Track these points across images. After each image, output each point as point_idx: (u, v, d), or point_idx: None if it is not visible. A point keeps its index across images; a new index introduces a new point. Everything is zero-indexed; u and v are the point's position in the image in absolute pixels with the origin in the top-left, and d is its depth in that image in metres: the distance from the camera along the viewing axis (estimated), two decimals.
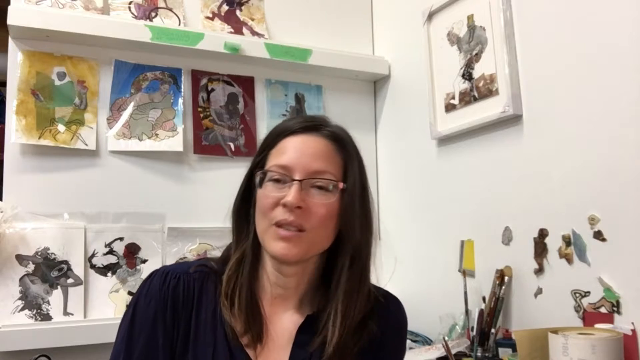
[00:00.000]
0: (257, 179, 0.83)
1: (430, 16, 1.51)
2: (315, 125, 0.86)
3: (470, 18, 1.39)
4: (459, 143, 1.44)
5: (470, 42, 1.39)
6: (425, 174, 1.57)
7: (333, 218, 0.82)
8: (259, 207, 0.83)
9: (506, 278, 1.28)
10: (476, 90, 1.37)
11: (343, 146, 0.85)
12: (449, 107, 1.45)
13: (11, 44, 1.36)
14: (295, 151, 0.82)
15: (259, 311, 0.85)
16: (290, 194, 0.78)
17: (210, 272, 0.87)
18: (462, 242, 1.42)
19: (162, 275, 0.86)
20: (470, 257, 1.40)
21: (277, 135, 0.86)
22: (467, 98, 1.39)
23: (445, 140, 1.49)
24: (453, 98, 1.44)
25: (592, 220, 1.10)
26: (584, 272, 1.12)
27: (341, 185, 0.82)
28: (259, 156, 0.87)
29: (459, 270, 1.42)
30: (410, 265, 1.60)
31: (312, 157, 0.81)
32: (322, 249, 0.84)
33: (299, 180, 0.80)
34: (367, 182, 0.89)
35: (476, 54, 1.37)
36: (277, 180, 0.81)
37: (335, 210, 0.81)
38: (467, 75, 1.39)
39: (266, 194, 0.82)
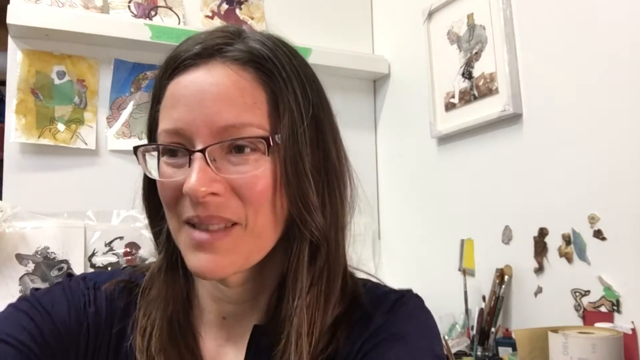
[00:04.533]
0: (146, 158, 0.57)
1: (430, 15, 1.51)
2: (214, 48, 0.55)
3: (470, 17, 1.39)
4: (459, 142, 1.44)
5: (470, 41, 1.38)
6: (425, 172, 1.56)
7: (275, 191, 0.54)
8: (162, 201, 0.56)
9: (506, 277, 1.27)
10: (476, 89, 1.36)
11: (266, 69, 0.55)
12: (449, 106, 1.45)
13: (11, 42, 1.36)
14: (188, 100, 0.53)
15: (190, 349, 0.59)
16: (191, 177, 0.51)
17: (132, 286, 0.62)
18: (462, 241, 1.42)
19: (80, 280, 0.62)
20: (470, 256, 1.40)
21: (162, 77, 0.57)
22: (467, 97, 1.39)
23: (446, 139, 1.48)
24: (453, 97, 1.44)
25: (592, 220, 1.10)
26: (584, 271, 1.12)
27: (270, 138, 0.53)
28: (150, 117, 0.60)
29: (459, 269, 1.42)
30: (410, 264, 1.61)
31: (215, 104, 0.52)
32: (273, 243, 0.57)
33: (201, 151, 0.52)
34: (326, 119, 0.59)
35: (476, 53, 1.37)
36: (173, 153, 0.54)
37: (275, 177, 0.54)
38: (467, 74, 1.39)
39: (163, 179, 0.55)
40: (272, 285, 0.59)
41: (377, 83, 1.79)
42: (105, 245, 1.41)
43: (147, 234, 1.43)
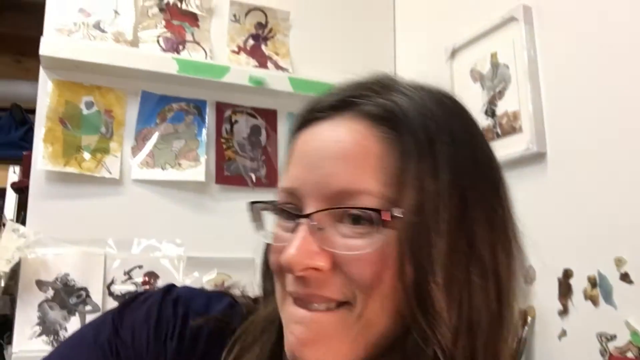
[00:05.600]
0: (257, 215, 0.50)
1: (454, 53, 1.52)
2: (349, 99, 0.47)
3: (493, 56, 1.39)
4: None
5: (494, 80, 1.39)
6: None
7: (395, 274, 0.43)
8: (270, 265, 0.50)
9: (529, 318, 1.24)
10: (499, 127, 1.36)
11: (402, 127, 0.45)
12: None
13: (42, 73, 1.40)
14: (305, 158, 0.47)
15: None
16: (290, 246, 0.44)
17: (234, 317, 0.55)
18: None
19: (172, 304, 0.55)
20: None
21: (295, 129, 0.51)
22: (490, 135, 1.38)
23: None
24: None
25: (619, 262, 1.07)
26: (610, 314, 1.08)
27: (387, 213, 0.43)
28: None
29: None
30: None
31: (332, 164, 0.45)
32: (384, 337, 0.45)
33: (306, 216, 0.45)
34: (483, 204, 0.47)
35: (499, 91, 1.37)
36: (286, 217, 0.48)
37: (392, 259, 0.43)
38: (490, 112, 1.39)
39: (273, 242, 0.49)
40: None
41: None
42: (125, 273, 1.42)
43: (167, 264, 1.46)
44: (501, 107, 1.36)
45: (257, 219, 0.50)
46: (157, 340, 0.53)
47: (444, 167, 0.44)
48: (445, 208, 0.44)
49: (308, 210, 0.45)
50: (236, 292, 0.59)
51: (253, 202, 0.50)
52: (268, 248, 0.51)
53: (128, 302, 0.56)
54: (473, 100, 1.44)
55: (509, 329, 0.46)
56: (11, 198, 1.79)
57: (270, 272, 0.51)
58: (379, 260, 0.43)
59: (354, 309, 0.44)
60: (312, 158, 0.46)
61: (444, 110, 0.47)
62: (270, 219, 0.51)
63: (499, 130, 1.36)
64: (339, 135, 0.45)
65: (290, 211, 0.47)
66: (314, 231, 0.44)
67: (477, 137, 0.49)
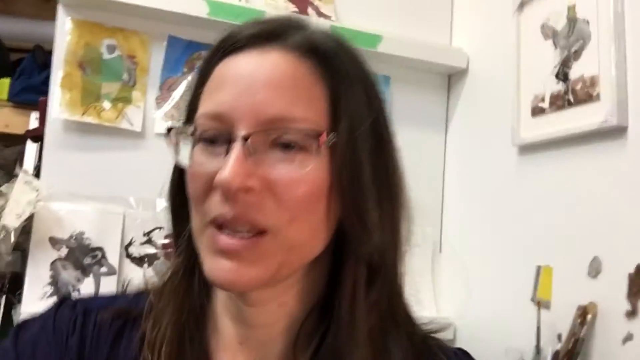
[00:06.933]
0: (175, 142, 0.50)
1: (523, 4, 1.32)
2: (273, 32, 0.50)
3: (571, 9, 1.19)
4: (545, 153, 1.25)
5: (570, 37, 1.19)
6: (501, 184, 1.38)
7: (320, 199, 0.47)
8: (189, 194, 0.50)
9: (589, 316, 1.09)
10: (572, 94, 1.17)
11: (329, 64, 0.50)
12: (537, 111, 1.26)
13: (60, 10, 1.27)
14: (235, 83, 0.48)
15: None
16: (226, 166, 0.45)
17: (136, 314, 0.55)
18: (539, 268, 1.24)
19: (70, 307, 0.56)
20: (546, 286, 1.22)
21: (212, 57, 0.53)
22: (560, 102, 1.20)
23: (529, 149, 1.30)
24: (542, 100, 1.25)
25: None
26: None
27: (324, 136, 0.47)
28: (191, 99, 0.54)
29: (532, 300, 1.24)
30: (474, 285, 1.44)
31: (266, 91, 0.47)
32: (309, 258, 0.50)
33: (244, 138, 0.46)
34: (387, 128, 0.53)
35: (575, 52, 1.17)
36: (209, 141, 0.48)
37: (323, 183, 0.47)
38: (562, 76, 1.20)
39: (194, 168, 0.49)
40: (305, 310, 0.52)
41: (452, 78, 1.61)
42: (144, 234, 1.32)
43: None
44: (576, 71, 1.17)
45: (175, 148, 0.51)
46: (57, 344, 0.52)
47: (365, 101, 0.50)
48: (369, 136, 0.50)
49: (242, 133, 0.46)
50: None
51: (170, 128, 0.52)
52: (182, 177, 0.52)
53: (21, 324, 0.56)
54: (542, 61, 1.25)
55: (406, 229, 0.53)
56: (32, 147, 1.70)
57: (183, 210, 0.52)
58: (309, 183, 0.47)
59: (278, 236, 0.47)
60: (242, 84, 0.48)
61: (354, 52, 0.53)
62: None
63: (571, 98, 1.18)
64: (271, 63, 0.48)
65: (219, 135, 0.48)
66: (247, 153, 0.46)
67: (374, 75, 0.55)
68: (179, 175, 0.54)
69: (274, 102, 0.47)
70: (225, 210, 0.46)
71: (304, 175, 0.46)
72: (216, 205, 0.47)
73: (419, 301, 1.70)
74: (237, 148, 0.45)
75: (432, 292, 1.56)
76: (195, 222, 0.50)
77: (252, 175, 0.45)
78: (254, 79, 0.47)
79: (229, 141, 0.47)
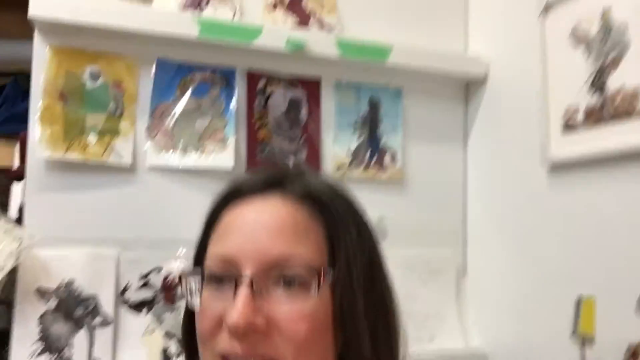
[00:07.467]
0: (190, 284, 0.55)
1: (548, 7, 1.19)
2: (274, 181, 0.58)
3: (606, 13, 1.06)
4: (580, 173, 1.13)
5: (605, 44, 1.06)
6: (530, 207, 1.26)
7: (323, 332, 0.52)
8: (197, 332, 0.55)
9: None
10: (611, 107, 1.05)
11: (323, 206, 0.56)
12: (569, 126, 1.14)
13: (37, 37, 1.16)
14: (240, 229, 0.54)
15: None
16: (235, 307, 0.49)
17: None
18: (579, 299, 1.12)
19: None
20: (589, 320, 1.10)
21: (219, 205, 0.59)
22: (597, 116, 1.07)
23: (561, 168, 1.17)
24: (576, 114, 1.12)
25: None
26: None
27: (323, 271, 0.52)
28: (200, 243, 0.60)
29: (573, 334, 1.12)
30: (505, 315, 1.32)
31: (268, 235, 0.52)
32: None
33: (249, 278, 0.51)
34: (378, 255, 0.60)
35: (612, 60, 1.05)
36: (218, 281, 0.54)
37: (325, 317, 0.52)
38: (598, 87, 1.07)
39: (203, 308, 0.54)
40: None
41: (470, 88, 1.48)
42: (141, 278, 1.21)
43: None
44: (614, 81, 1.04)
45: (187, 290, 0.55)
46: None
47: (357, 240, 0.57)
48: (363, 272, 0.56)
49: (247, 274, 0.51)
50: None
51: (181, 277, 0.57)
52: (192, 317, 0.57)
53: None
54: (573, 71, 1.13)
55: (399, 353, 0.58)
56: (17, 186, 1.58)
57: (193, 351, 0.57)
58: (312, 319, 0.51)
59: None
60: (247, 229, 0.54)
61: (346, 195, 0.60)
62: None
63: (610, 111, 1.05)
64: (272, 210, 0.55)
65: (227, 276, 0.53)
66: (253, 293, 0.50)
67: (366, 216, 0.61)
68: (189, 316, 0.60)
69: (275, 244, 0.52)
70: (235, 347, 0.50)
71: (306, 312, 0.51)
72: (224, 341, 0.51)
73: (444, 331, 1.57)
74: (244, 289, 0.50)
75: (457, 320, 1.43)
76: (205, 356, 0.54)
77: (258, 314, 0.50)
78: (257, 225, 0.54)
79: (235, 281, 0.51)
